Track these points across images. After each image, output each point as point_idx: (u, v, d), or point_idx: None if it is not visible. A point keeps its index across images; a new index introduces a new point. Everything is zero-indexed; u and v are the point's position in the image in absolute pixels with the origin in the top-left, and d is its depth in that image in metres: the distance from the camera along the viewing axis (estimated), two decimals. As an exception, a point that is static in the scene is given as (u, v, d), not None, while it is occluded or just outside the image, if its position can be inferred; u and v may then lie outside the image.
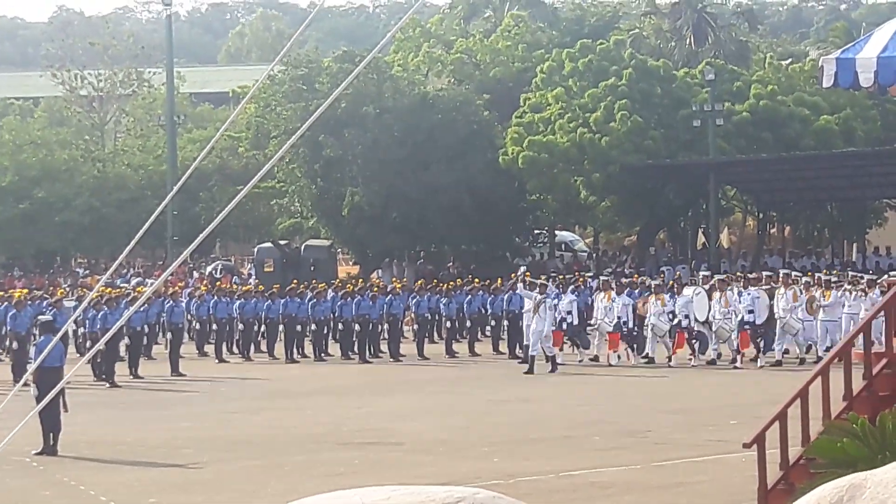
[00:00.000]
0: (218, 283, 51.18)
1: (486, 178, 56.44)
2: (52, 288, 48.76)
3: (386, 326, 40.87)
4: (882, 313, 15.11)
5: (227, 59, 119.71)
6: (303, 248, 58.42)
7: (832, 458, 11.70)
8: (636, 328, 37.18)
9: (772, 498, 13.30)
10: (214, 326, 41.61)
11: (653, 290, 37.60)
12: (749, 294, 35.02)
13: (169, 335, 38.21)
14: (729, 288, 36.27)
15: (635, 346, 36.96)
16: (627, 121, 55.01)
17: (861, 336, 14.57)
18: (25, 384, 21.02)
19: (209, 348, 41.71)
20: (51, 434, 20.95)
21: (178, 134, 68.73)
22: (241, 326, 41.43)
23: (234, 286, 49.04)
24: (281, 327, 40.86)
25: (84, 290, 47.58)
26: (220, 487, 18.05)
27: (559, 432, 22.95)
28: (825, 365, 14.05)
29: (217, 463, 20.13)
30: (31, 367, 22.56)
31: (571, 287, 40.77)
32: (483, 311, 41.83)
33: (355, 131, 56.19)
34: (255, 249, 60.49)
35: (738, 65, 64.12)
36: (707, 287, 36.31)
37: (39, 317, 27.69)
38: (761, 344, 34.96)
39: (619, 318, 36.21)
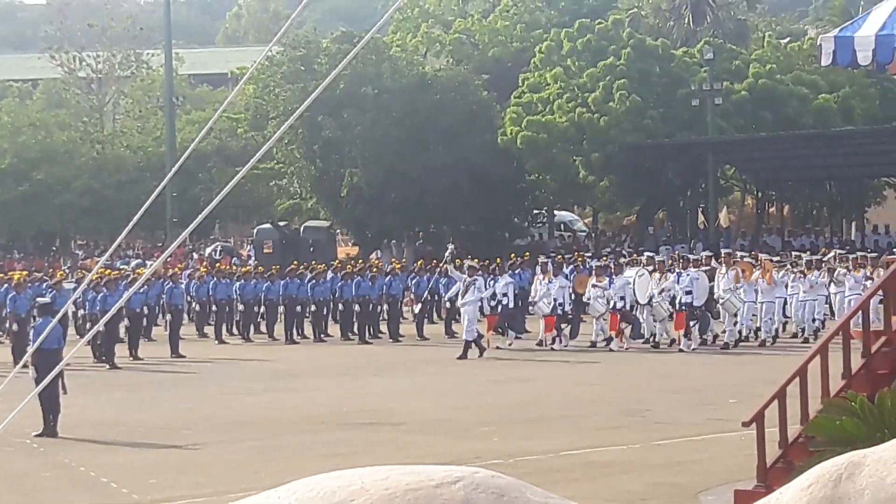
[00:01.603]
0: (217, 264, 51.18)
1: (485, 159, 56.37)
2: (51, 270, 48.81)
3: (385, 307, 40.94)
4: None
5: (225, 40, 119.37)
6: (302, 228, 58.41)
7: (831, 437, 11.71)
8: (573, 311, 36.55)
9: (771, 476, 13.29)
10: (214, 308, 41.69)
11: (592, 271, 37.23)
12: (688, 275, 34.50)
13: (168, 316, 38.23)
14: (669, 269, 35.98)
15: (570, 328, 36.43)
16: (626, 100, 54.96)
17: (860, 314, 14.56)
18: (25, 366, 21.00)
19: (209, 329, 41.79)
20: (50, 416, 20.95)
21: (177, 115, 68.62)
22: (240, 307, 41.45)
23: (234, 267, 49.08)
24: (281, 308, 40.93)
25: (83, 271, 47.65)
26: (220, 468, 18.06)
27: (559, 412, 22.99)
28: (824, 343, 14.05)
29: (217, 444, 20.15)
30: (30, 350, 22.53)
31: (508, 269, 39.33)
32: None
33: (354, 112, 56.13)
34: (255, 230, 60.49)
35: (736, 44, 63.94)
36: (650, 268, 36.08)
37: (38, 299, 27.68)
38: (695, 327, 34.35)
39: (555, 300, 35.47)
